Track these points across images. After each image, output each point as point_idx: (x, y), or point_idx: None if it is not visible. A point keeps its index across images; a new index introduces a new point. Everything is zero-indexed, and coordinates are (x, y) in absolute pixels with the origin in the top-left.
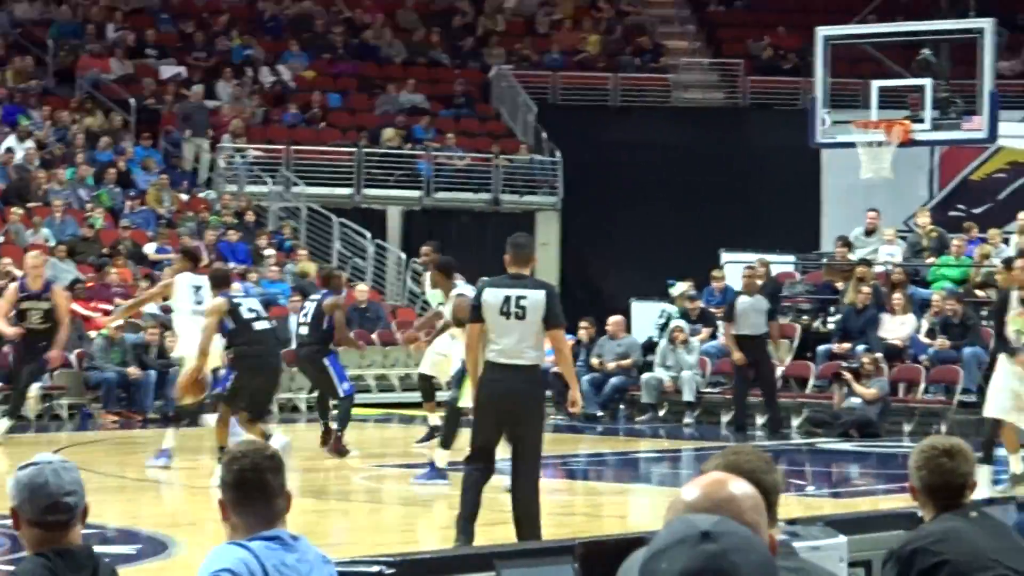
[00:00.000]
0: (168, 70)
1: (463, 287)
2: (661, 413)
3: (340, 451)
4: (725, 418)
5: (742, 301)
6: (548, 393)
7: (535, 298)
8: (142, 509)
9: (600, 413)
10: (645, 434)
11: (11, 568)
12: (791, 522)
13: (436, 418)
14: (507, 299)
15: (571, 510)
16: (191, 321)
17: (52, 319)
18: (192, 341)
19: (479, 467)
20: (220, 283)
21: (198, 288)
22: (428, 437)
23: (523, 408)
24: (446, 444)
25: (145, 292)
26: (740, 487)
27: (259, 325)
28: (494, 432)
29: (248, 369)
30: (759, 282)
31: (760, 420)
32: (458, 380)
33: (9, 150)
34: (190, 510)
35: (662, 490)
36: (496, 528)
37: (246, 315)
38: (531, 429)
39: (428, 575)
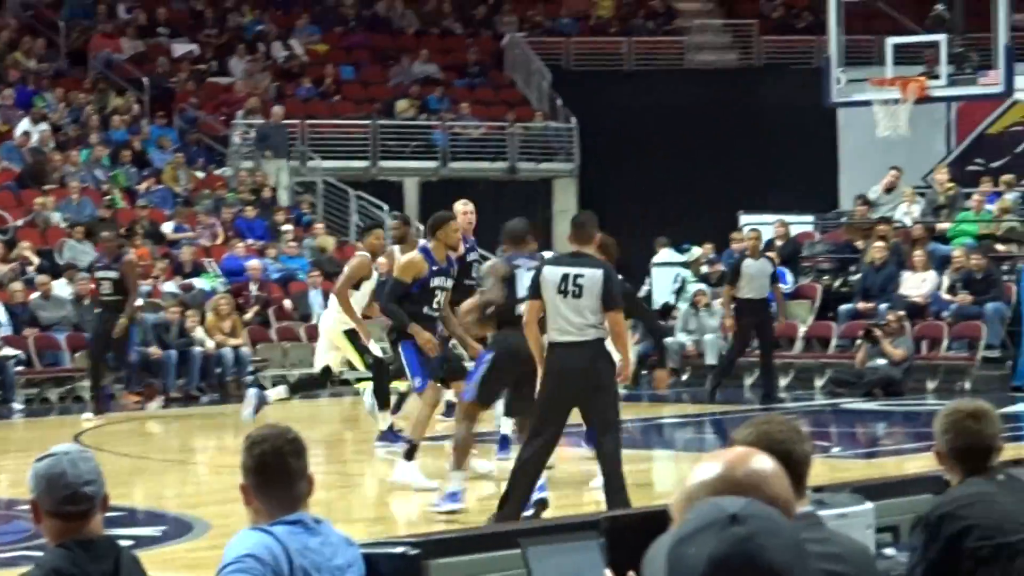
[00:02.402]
0: (180, 48)
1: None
2: (684, 378)
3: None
4: (748, 381)
5: (748, 264)
6: None
7: (593, 277)
8: (166, 490)
9: None
10: (668, 399)
11: (35, 556)
12: (818, 489)
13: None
14: (565, 277)
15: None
16: None
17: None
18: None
19: (541, 445)
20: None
21: None
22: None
23: (590, 383)
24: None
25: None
26: (758, 462)
27: None
28: (559, 411)
29: None
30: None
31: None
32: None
33: (25, 133)
34: (215, 490)
35: (687, 456)
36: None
37: None
38: (604, 400)
39: (453, 554)
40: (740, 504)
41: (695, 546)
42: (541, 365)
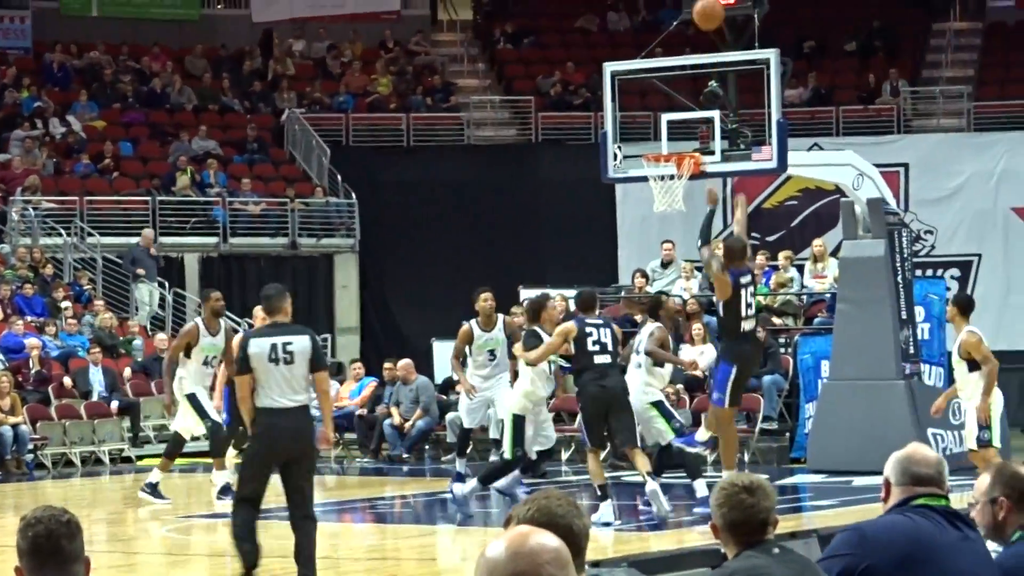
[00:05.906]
0: None
1: None
2: (468, 451)
3: None
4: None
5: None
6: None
7: (301, 343)
8: None
9: (406, 455)
10: (451, 474)
11: None
12: (595, 564)
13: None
14: (274, 346)
15: (380, 553)
16: None
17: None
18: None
19: (252, 511)
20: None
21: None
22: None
23: (295, 448)
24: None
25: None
26: (542, 540)
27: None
28: (266, 476)
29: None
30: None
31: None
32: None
33: None
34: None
35: (469, 530)
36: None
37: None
38: (303, 467)
39: None
40: None
41: None
42: (252, 436)
